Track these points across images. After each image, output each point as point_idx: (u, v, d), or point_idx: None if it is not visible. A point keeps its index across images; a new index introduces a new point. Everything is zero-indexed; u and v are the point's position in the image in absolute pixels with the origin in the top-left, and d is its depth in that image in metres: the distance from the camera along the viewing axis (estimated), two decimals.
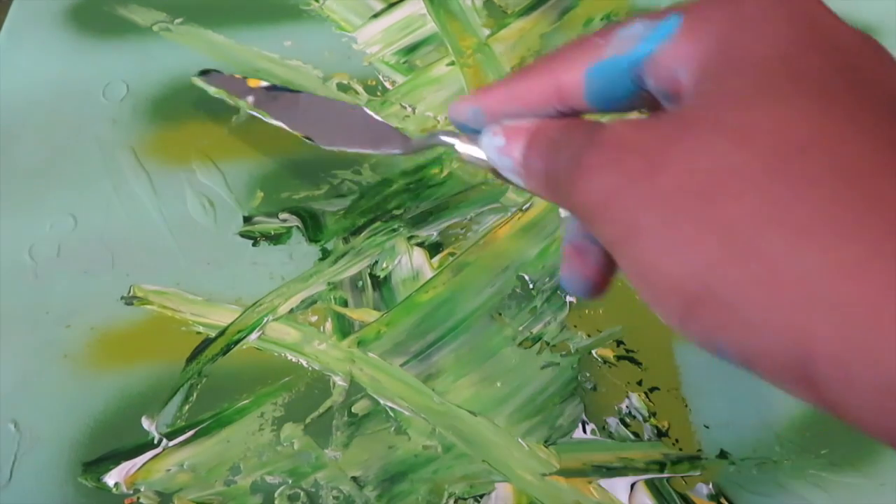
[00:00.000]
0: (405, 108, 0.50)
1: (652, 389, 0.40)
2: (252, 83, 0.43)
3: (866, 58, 0.20)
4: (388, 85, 0.51)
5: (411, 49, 0.53)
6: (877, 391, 0.16)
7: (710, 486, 0.38)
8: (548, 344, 0.41)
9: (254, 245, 0.44)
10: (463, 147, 0.28)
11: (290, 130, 0.40)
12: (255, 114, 0.42)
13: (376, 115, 0.39)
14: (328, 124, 0.40)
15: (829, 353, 0.17)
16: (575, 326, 0.42)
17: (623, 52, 0.23)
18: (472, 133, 0.28)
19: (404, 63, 0.52)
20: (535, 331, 0.42)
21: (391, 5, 0.54)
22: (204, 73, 0.46)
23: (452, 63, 0.52)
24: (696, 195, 0.18)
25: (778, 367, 0.18)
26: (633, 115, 0.25)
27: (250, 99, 0.43)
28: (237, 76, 0.45)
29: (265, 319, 0.42)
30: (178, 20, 0.53)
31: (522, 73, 0.26)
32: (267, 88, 0.43)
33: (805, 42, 0.20)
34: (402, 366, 0.41)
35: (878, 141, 0.18)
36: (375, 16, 0.54)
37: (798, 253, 0.17)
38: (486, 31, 0.53)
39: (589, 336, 0.42)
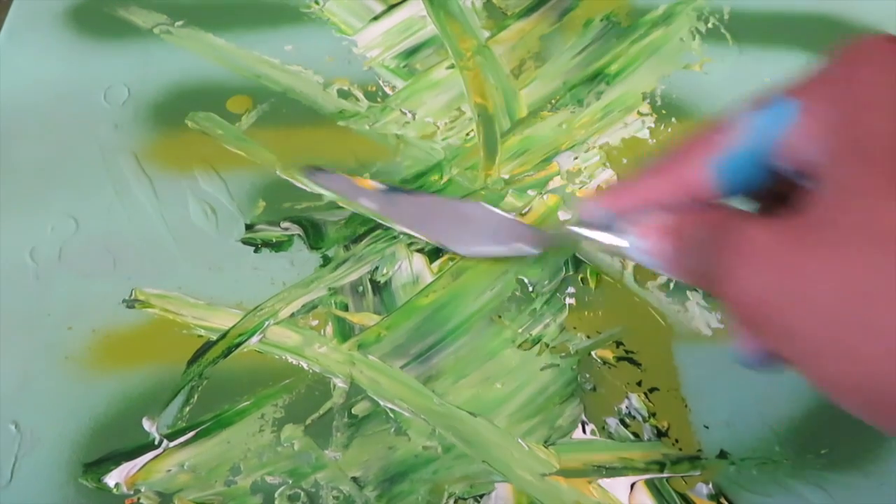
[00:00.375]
0: (405, 113, 0.50)
1: (651, 390, 0.40)
2: (363, 183, 0.43)
3: None
4: (388, 90, 0.51)
5: (411, 52, 0.53)
6: None
7: (710, 486, 0.38)
8: (547, 345, 0.41)
9: (255, 251, 0.44)
10: (603, 238, 0.30)
11: (421, 237, 0.42)
12: (375, 219, 0.44)
13: (498, 209, 0.41)
14: (455, 227, 0.41)
15: None
16: (574, 328, 0.42)
17: (750, 143, 0.24)
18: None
19: (404, 67, 0.52)
20: (534, 332, 0.42)
21: (391, 7, 0.55)
22: (310, 168, 0.46)
23: (452, 66, 0.52)
24: (853, 301, 0.20)
25: None
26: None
27: (364, 202, 0.43)
28: (346, 176, 0.45)
29: (266, 323, 0.42)
30: (179, 23, 0.53)
31: (648, 175, 0.28)
32: (382, 191, 0.43)
33: None
34: (402, 368, 0.41)
35: None
36: (375, 18, 0.54)
37: None
38: (486, 33, 0.54)
39: (588, 337, 0.42)
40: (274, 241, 0.45)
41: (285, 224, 0.45)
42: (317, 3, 0.55)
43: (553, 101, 0.50)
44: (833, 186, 0.21)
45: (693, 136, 0.27)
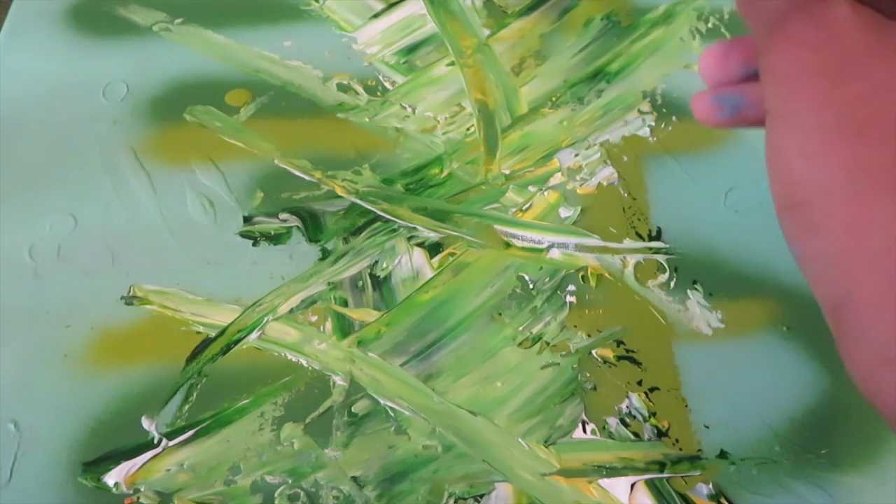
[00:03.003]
0: (405, 108, 0.50)
1: (652, 389, 0.40)
2: None
3: None
4: (388, 85, 0.51)
5: (411, 49, 0.53)
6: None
7: (710, 485, 0.38)
8: (548, 344, 0.41)
9: (254, 245, 0.44)
10: None
11: None
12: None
13: None
14: None
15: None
16: (575, 326, 0.42)
17: None
18: None
19: (404, 63, 0.52)
20: (535, 331, 0.42)
21: (391, 5, 0.54)
22: None
23: (452, 63, 0.52)
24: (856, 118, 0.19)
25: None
26: None
27: None
28: None
29: (265, 319, 0.42)
30: (179, 20, 0.53)
31: None
32: None
33: None
34: (402, 365, 0.41)
35: None
36: (375, 16, 0.54)
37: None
38: (486, 32, 0.53)
39: (589, 336, 0.42)
40: (272, 233, 0.45)
41: (284, 215, 0.45)
42: (316, 0, 0.55)
43: (554, 99, 0.50)
44: None
45: None
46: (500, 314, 0.42)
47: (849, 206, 0.19)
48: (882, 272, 0.18)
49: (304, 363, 0.41)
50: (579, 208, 0.46)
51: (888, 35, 0.20)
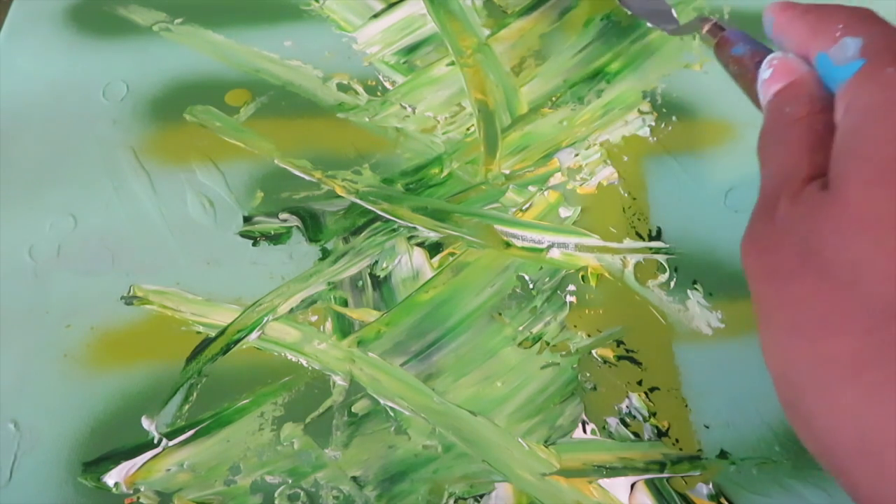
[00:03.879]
0: (405, 108, 0.50)
1: (652, 389, 0.40)
2: None
3: None
4: (388, 85, 0.51)
5: (411, 49, 0.53)
6: None
7: (711, 486, 0.38)
8: (548, 344, 0.41)
9: (254, 245, 0.44)
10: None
11: None
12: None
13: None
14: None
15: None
16: (575, 326, 0.42)
17: (835, 62, 0.25)
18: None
19: (404, 63, 0.52)
20: (535, 331, 0.42)
21: (391, 5, 0.54)
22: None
23: (452, 63, 0.52)
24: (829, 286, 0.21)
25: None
26: None
27: None
28: None
29: (265, 319, 0.42)
30: (179, 20, 0.53)
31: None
32: None
33: None
34: (402, 365, 0.41)
35: None
36: (375, 16, 0.54)
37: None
38: (486, 32, 0.53)
39: (589, 336, 0.42)
40: (272, 233, 0.45)
41: (284, 215, 0.45)
42: (316, 0, 0.55)
43: (554, 99, 0.50)
44: (835, 175, 0.22)
45: (829, 12, 0.27)
46: (500, 314, 0.42)
47: (822, 399, 0.20)
48: (868, 462, 0.19)
49: (304, 363, 0.41)
50: (579, 208, 0.46)
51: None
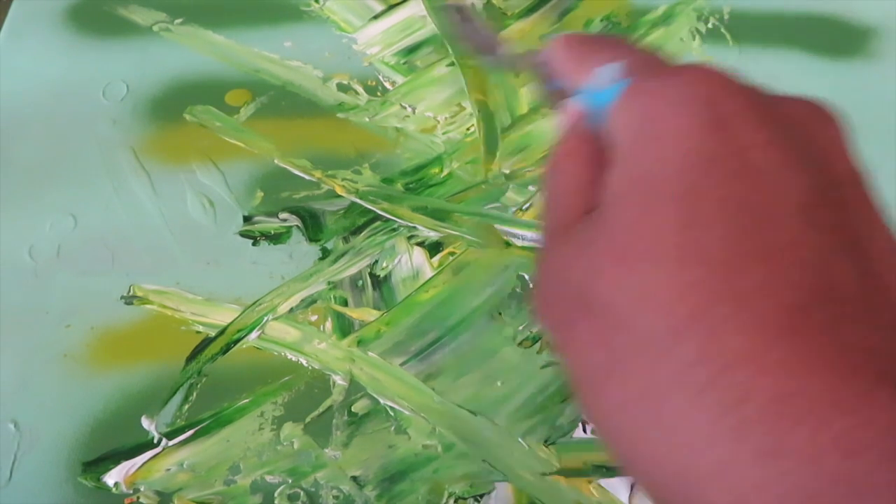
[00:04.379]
0: (405, 108, 0.50)
1: None
2: None
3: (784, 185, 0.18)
4: (388, 85, 0.51)
5: (411, 50, 0.53)
6: None
7: None
8: (548, 343, 0.41)
9: (254, 244, 0.44)
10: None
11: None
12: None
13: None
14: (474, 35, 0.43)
15: None
16: None
17: (597, 89, 0.23)
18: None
19: (404, 64, 0.52)
20: (535, 330, 0.42)
21: (391, 7, 0.55)
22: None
23: (452, 64, 0.52)
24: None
25: None
26: None
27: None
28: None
29: (265, 319, 0.42)
30: (179, 20, 0.53)
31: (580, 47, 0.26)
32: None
33: (710, 164, 0.18)
34: (402, 365, 0.41)
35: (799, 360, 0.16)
36: (375, 17, 0.54)
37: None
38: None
39: None
40: (272, 232, 0.45)
41: (283, 215, 0.45)
42: (316, 1, 0.55)
43: None
44: (612, 202, 0.20)
45: (603, 42, 0.25)
46: (500, 313, 0.42)
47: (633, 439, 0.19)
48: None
49: (304, 363, 0.41)
50: None
51: None
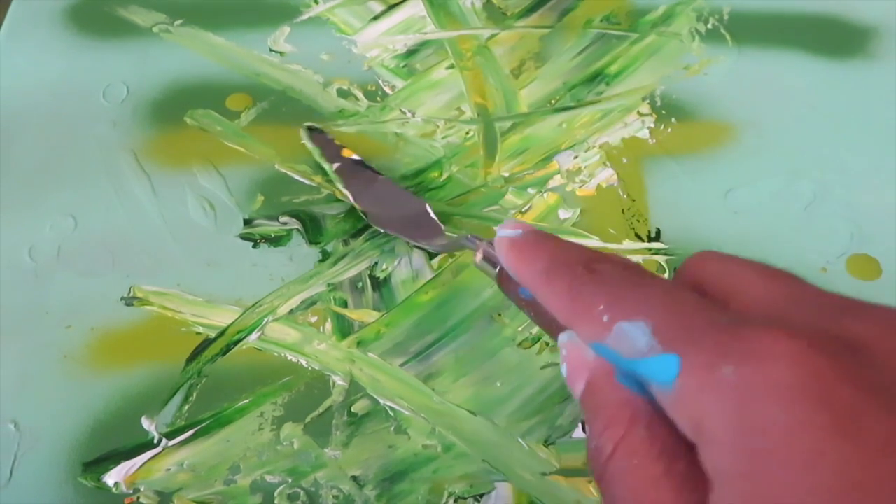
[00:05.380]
0: (405, 112, 0.50)
1: None
2: (345, 153, 0.47)
3: None
4: (387, 90, 0.51)
5: (411, 52, 0.53)
6: None
7: None
8: (547, 344, 0.41)
9: (254, 247, 0.44)
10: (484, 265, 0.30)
11: (353, 203, 0.45)
12: (333, 181, 0.46)
13: (433, 214, 0.43)
14: (387, 209, 0.44)
15: None
16: None
17: (625, 355, 0.20)
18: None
19: (404, 67, 0.52)
20: (534, 331, 0.42)
21: (391, 7, 0.55)
22: (311, 129, 0.49)
23: (452, 66, 0.52)
24: None
25: None
26: None
27: (335, 166, 0.47)
28: (336, 143, 0.48)
29: (265, 320, 0.42)
30: (179, 22, 0.53)
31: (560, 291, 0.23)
32: (354, 161, 0.47)
33: (860, 493, 0.16)
34: (401, 366, 0.41)
35: None
36: (375, 18, 0.54)
37: None
38: (486, 34, 0.54)
39: None
40: (273, 235, 0.45)
41: (284, 218, 0.45)
42: (316, 2, 0.55)
43: (553, 101, 0.50)
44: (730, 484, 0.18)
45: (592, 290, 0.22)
46: (499, 315, 0.42)
47: None
48: None
49: (304, 363, 0.41)
50: (579, 210, 0.46)
51: None
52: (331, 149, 0.47)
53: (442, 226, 0.42)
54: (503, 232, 0.25)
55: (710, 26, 0.54)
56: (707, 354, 0.18)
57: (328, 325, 0.42)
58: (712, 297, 0.21)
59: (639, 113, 0.50)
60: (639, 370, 0.20)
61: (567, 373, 0.23)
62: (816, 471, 0.16)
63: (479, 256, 0.29)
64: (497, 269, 0.28)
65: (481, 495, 0.38)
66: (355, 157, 0.47)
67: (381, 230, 0.44)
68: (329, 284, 0.43)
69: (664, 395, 0.19)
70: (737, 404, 0.17)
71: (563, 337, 0.23)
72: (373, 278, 0.43)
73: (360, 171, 0.46)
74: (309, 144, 0.48)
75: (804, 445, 0.16)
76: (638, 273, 0.22)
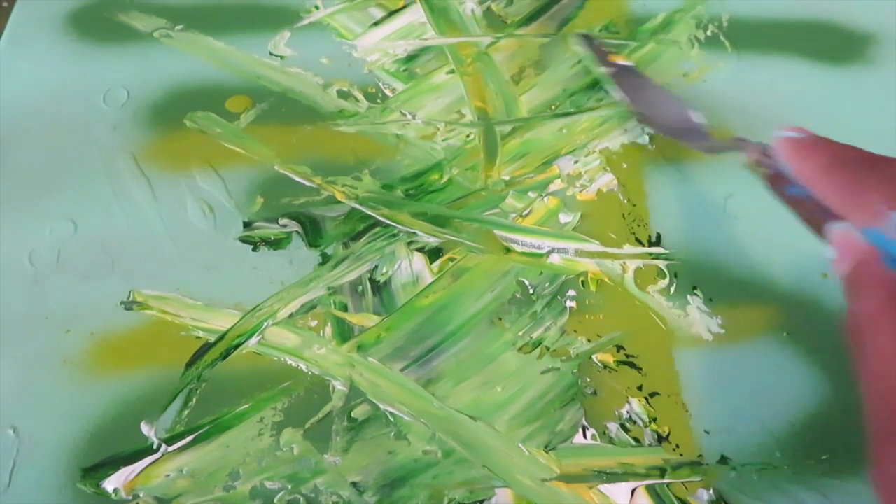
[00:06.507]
0: (405, 115, 0.50)
1: (652, 395, 0.40)
2: (614, 59, 0.50)
3: None
4: (388, 92, 0.51)
5: (411, 57, 0.53)
6: None
7: (711, 491, 0.38)
8: (548, 349, 0.41)
9: (254, 250, 0.44)
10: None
11: (629, 105, 0.47)
12: (607, 85, 0.49)
13: (701, 118, 0.45)
14: (660, 111, 0.46)
15: None
16: (575, 331, 0.42)
17: (888, 237, 0.23)
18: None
19: (404, 71, 0.52)
20: (535, 336, 0.42)
21: (391, 13, 0.55)
22: (582, 35, 0.52)
23: (452, 71, 0.52)
24: None
25: None
26: None
27: (609, 70, 0.49)
28: (605, 49, 0.51)
29: (265, 324, 0.42)
30: (179, 27, 0.53)
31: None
32: (625, 67, 0.49)
33: None
34: (401, 370, 0.41)
35: None
36: (376, 24, 0.54)
37: None
38: (486, 41, 0.54)
39: (589, 341, 0.42)
40: (272, 238, 0.45)
41: (283, 221, 0.45)
42: (317, 7, 0.55)
43: (553, 107, 0.50)
44: None
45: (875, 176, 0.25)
46: (500, 319, 0.42)
47: None
48: None
49: (304, 368, 0.41)
50: (579, 214, 0.46)
51: None
52: (601, 54, 0.50)
53: (709, 130, 0.44)
54: (785, 133, 0.28)
55: (709, 33, 0.54)
56: None
57: (328, 330, 0.42)
58: None
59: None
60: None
61: (836, 254, 0.25)
62: None
63: (753, 157, 0.32)
64: (768, 170, 0.31)
65: (482, 501, 0.37)
66: (626, 62, 0.49)
67: (651, 131, 0.46)
68: (329, 288, 0.43)
69: None
70: None
71: (833, 226, 0.26)
72: (373, 282, 0.43)
73: (631, 76, 0.48)
74: (581, 49, 0.51)
75: None
76: None
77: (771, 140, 0.30)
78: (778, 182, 0.30)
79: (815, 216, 0.28)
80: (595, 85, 0.51)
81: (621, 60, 0.49)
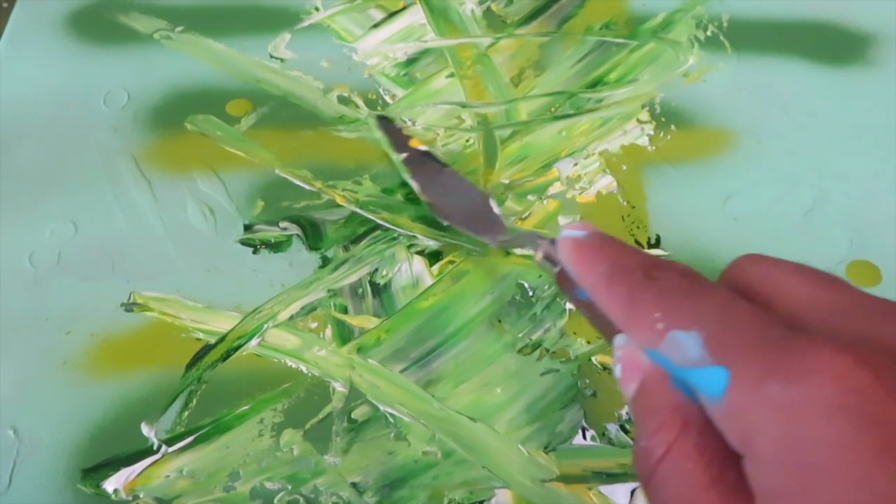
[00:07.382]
0: (405, 121, 0.50)
1: None
2: (413, 143, 0.48)
3: None
4: (388, 99, 0.51)
5: (411, 61, 0.53)
6: None
7: None
8: (547, 350, 0.41)
9: (254, 253, 0.44)
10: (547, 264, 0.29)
11: (419, 194, 0.44)
12: (402, 172, 0.46)
13: (497, 209, 0.43)
14: (451, 201, 0.44)
15: None
16: (574, 333, 0.42)
17: (677, 364, 0.21)
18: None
19: (404, 76, 0.52)
20: (534, 337, 0.42)
21: (391, 15, 0.55)
22: (381, 118, 0.50)
23: (452, 75, 0.52)
24: None
25: None
26: None
27: (403, 156, 0.47)
28: (404, 133, 0.49)
29: (265, 326, 0.42)
30: (179, 28, 0.53)
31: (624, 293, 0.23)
32: (421, 152, 0.47)
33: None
34: (401, 372, 0.41)
35: None
36: (375, 26, 0.54)
37: None
38: (486, 42, 0.54)
39: (588, 343, 0.42)
40: (273, 241, 0.45)
41: (284, 224, 0.45)
42: (317, 9, 0.55)
43: (553, 109, 0.50)
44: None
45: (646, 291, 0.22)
46: (499, 321, 0.42)
47: None
48: None
49: (304, 369, 0.41)
50: (578, 217, 0.46)
51: None
52: (399, 138, 0.48)
53: (504, 221, 0.42)
54: (568, 232, 0.25)
55: (709, 33, 0.54)
56: (755, 370, 0.18)
57: (328, 331, 0.42)
58: (757, 301, 0.22)
59: (638, 120, 0.50)
60: (689, 379, 0.20)
61: (620, 374, 0.23)
62: (862, 492, 0.16)
63: (539, 254, 0.29)
64: (557, 269, 0.28)
65: (481, 502, 0.37)
66: (423, 147, 0.47)
67: (444, 223, 0.43)
68: (329, 290, 0.43)
69: (713, 406, 0.19)
70: (783, 422, 0.17)
71: (619, 339, 0.23)
72: (373, 284, 0.43)
73: (426, 162, 0.47)
74: (378, 133, 0.49)
75: (850, 466, 0.16)
76: (696, 283, 0.22)
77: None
78: (566, 284, 0.27)
79: (605, 325, 0.25)
80: (595, 85, 0.52)
81: (420, 146, 0.48)
